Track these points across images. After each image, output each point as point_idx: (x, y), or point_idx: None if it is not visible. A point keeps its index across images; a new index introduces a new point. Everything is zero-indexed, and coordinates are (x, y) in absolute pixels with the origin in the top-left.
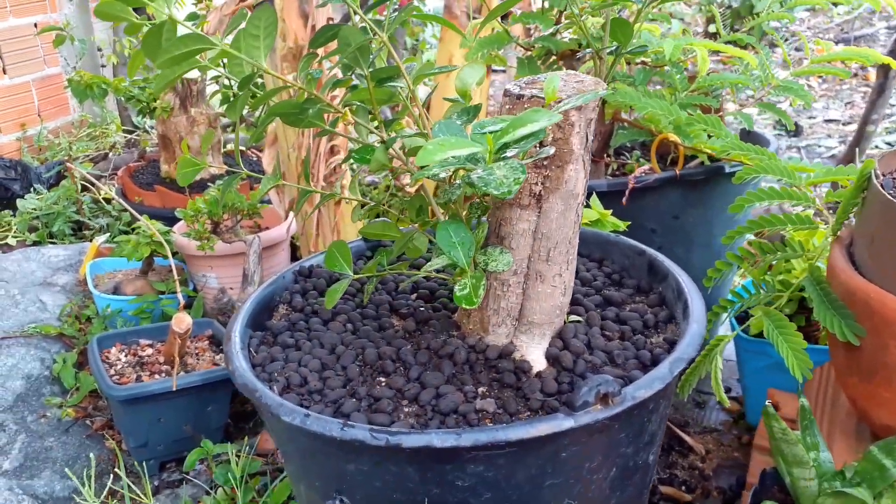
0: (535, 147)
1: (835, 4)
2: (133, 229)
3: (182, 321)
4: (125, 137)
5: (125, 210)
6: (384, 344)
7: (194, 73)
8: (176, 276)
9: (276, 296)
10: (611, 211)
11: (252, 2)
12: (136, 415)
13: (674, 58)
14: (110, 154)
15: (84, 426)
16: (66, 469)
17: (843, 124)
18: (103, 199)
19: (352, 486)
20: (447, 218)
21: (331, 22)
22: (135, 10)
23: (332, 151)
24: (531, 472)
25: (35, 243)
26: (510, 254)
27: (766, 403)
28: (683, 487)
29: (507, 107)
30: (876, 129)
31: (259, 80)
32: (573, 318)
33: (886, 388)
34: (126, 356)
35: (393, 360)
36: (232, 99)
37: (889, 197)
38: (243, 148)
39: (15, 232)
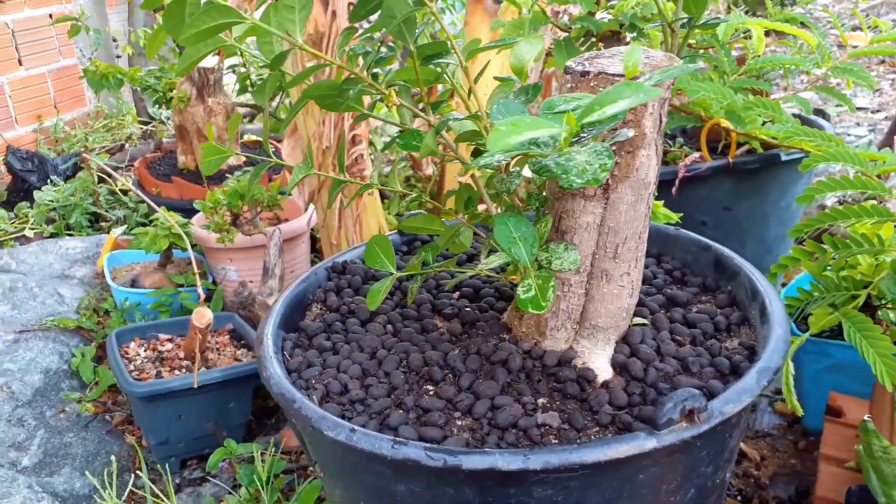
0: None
1: None
2: (150, 221)
3: (203, 315)
4: (141, 128)
5: (142, 202)
6: (429, 348)
7: (211, 62)
8: (196, 269)
9: (309, 294)
10: (661, 202)
11: None
12: (157, 411)
13: (725, 38)
14: (126, 145)
15: (103, 421)
16: (86, 468)
17: (872, 112)
18: (120, 190)
19: None
20: (502, 211)
21: (352, 6)
22: None
23: (354, 141)
24: (604, 496)
25: (52, 235)
26: (576, 251)
27: (866, 417)
28: (739, 497)
29: (569, 85)
30: None
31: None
32: (637, 320)
33: None
34: (145, 351)
35: (440, 366)
36: (250, 86)
37: None
38: (261, 138)
39: (32, 224)
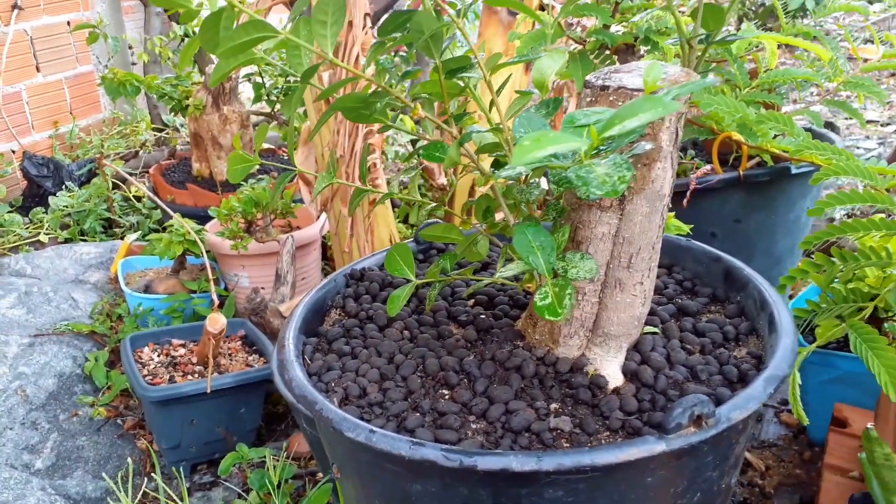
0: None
1: (870, 2)
2: (164, 227)
3: (217, 321)
4: (155, 136)
5: (156, 208)
6: (445, 354)
7: None
8: (210, 276)
9: (328, 300)
10: (673, 213)
11: None
12: (169, 416)
13: (739, 52)
14: (141, 152)
15: (115, 426)
16: (98, 471)
17: (882, 125)
18: (134, 196)
19: None
20: (520, 220)
21: (368, 16)
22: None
23: (368, 150)
24: (613, 499)
25: (67, 240)
26: (593, 260)
27: (869, 426)
28: None
29: (589, 99)
30: None
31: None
32: (648, 328)
33: None
34: (159, 356)
35: (456, 371)
36: (266, 95)
37: None
38: (275, 146)
39: (47, 229)
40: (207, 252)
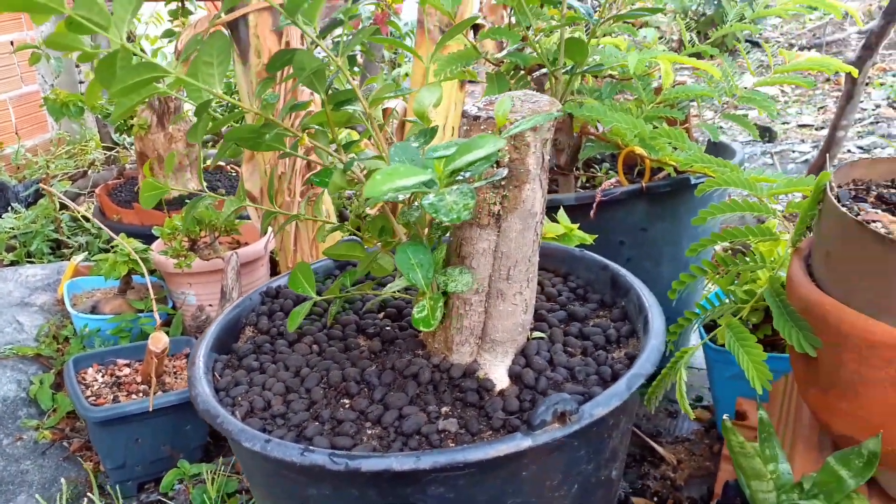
0: (493, 167)
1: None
2: (112, 247)
3: (159, 340)
4: (105, 154)
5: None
6: (349, 365)
7: None
8: (153, 295)
9: (243, 318)
10: (578, 224)
11: (227, 20)
12: (113, 436)
13: (638, 71)
14: (89, 171)
15: (61, 448)
16: (45, 494)
17: (817, 129)
18: (82, 217)
19: None
20: (408, 238)
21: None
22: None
23: (310, 166)
24: (492, 493)
25: (12, 263)
26: (470, 274)
27: (724, 417)
28: (655, 498)
29: (465, 128)
30: (846, 134)
31: (219, 102)
32: (536, 334)
33: (843, 400)
34: (103, 377)
35: (357, 381)
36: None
37: (843, 210)
38: (223, 163)
39: None
40: (154, 272)
